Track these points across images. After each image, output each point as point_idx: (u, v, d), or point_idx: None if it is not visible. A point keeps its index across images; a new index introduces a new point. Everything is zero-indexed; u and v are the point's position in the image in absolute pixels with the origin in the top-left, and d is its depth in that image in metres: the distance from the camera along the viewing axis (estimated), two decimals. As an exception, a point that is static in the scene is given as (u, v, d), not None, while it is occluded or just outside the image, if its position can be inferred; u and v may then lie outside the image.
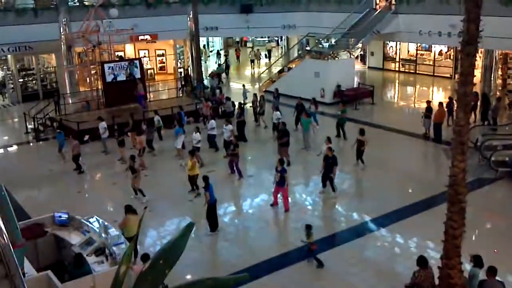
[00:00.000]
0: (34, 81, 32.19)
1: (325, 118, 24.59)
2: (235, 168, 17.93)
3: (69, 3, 29.41)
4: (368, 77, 34.36)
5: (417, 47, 35.01)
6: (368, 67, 38.14)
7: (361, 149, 18.10)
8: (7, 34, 27.95)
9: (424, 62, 35.01)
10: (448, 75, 33.01)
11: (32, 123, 24.40)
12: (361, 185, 17.85)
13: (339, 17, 31.08)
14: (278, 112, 21.93)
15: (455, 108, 9.39)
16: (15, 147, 23.39)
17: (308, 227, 12.38)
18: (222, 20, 33.95)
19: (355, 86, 29.21)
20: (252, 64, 40.22)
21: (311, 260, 12.36)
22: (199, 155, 18.28)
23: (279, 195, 15.33)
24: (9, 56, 31.07)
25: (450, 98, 22.07)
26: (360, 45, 29.79)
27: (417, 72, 35.18)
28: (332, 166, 15.88)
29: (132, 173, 16.09)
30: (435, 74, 34.02)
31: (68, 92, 28.26)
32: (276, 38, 49.22)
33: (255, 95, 25.57)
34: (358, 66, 36.23)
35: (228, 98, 25.12)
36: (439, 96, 29.19)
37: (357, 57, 33.89)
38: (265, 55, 43.93)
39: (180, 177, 17.48)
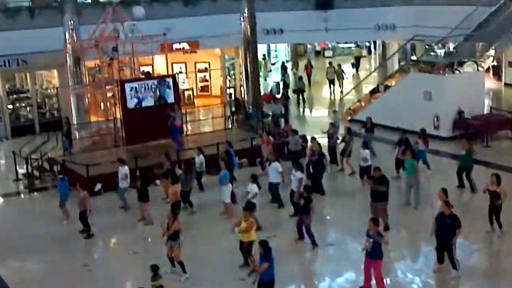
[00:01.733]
0: (28, 108, 33.40)
1: (441, 160, 24.28)
2: (305, 232, 17.84)
3: (77, 0, 30.38)
4: (505, 99, 33.66)
5: None
6: (505, 84, 37.54)
7: (496, 206, 17.60)
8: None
9: None
10: None
11: (25, 166, 25.14)
12: (496, 261, 17.39)
13: (459, 12, 30.84)
14: (366, 151, 21.72)
15: None
16: (0, 200, 24.20)
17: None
18: (290, 20, 34.44)
19: (485, 112, 28.77)
20: (332, 85, 39.35)
21: None
22: (255, 215, 18.20)
23: (371, 272, 15.06)
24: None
25: None
26: (492, 52, 29.33)
27: None
28: (450, 232, 15.48)
29: (170, 238, 16.17)
30: None
31: (75, 122, 28.88)
32: (368, 44, 49.28)
33: (332, 124, 25.51)
34: (490, 82, 35.59)
35: (295, 131, 25.09)
36: None
37: (487, 70, 33.32)
38: (352, 64, 43.82)
39: (228, 245, 17.53)
